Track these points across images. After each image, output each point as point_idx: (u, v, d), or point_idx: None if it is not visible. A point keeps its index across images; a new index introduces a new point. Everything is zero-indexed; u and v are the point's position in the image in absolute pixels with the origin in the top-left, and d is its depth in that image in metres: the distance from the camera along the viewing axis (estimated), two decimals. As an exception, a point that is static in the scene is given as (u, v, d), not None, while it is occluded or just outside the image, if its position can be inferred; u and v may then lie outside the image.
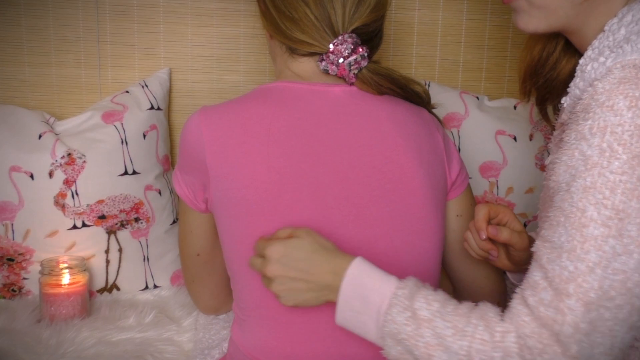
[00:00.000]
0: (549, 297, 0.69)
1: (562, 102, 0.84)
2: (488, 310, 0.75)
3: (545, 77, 0.94)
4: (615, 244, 0.67)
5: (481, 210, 0.92)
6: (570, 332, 0.68)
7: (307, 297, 0.84)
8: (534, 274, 0.72)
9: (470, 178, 1.11)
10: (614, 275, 0.67)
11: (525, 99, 0.99)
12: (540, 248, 0.73)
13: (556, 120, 0.95)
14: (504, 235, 0.92)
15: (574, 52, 0.91)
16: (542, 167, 1.45)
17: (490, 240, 0.94)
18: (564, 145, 0.75)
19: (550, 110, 1.00)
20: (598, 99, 0.71)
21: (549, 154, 0.96)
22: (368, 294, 0.79)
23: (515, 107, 1.50)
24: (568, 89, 0.81)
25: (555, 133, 0.91)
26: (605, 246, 0.67)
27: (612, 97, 0.69)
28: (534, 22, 0.82)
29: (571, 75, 0.90)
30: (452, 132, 1.47)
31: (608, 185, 0.68)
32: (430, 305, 0.76)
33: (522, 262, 0.94)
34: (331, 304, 0.86)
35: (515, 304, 0.73)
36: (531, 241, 0.92)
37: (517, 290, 0.74)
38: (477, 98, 1.51)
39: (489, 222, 0.93)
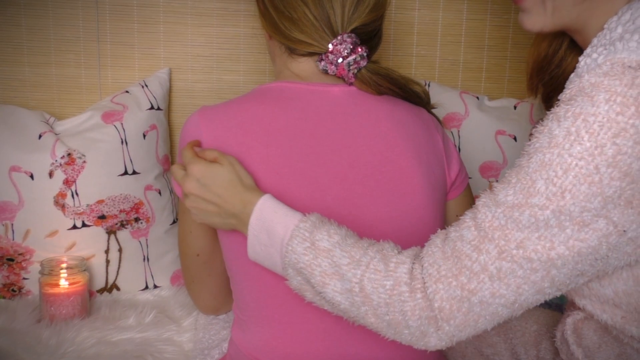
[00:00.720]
0: (471, 236, 0.73)
1: (559, 98, 0.85)
2: (386, 245, 0.79)
3: (550, 74, 0.96)
4: (550, 217, 0.69)
5: None
6: (477, 270, 0.71)
7: (214, 220, 0.88)
8: (466, 214, 0.76)
9: (470, 178, 1.11)
10: (539, 240, 0.70)
11: (532, 95, 1.01)
12: (484, 196, 0.76)
13: None
14: None
15: (580, 50, 0.92)
16: (542, 167, 1.45)
17: None
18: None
19: None
20: (583, 90, 0.72)
21: None
22: (274, 227, 0.82)
23: (515, 107, 1.50)
24: (565, 85, 0.82)
25: None
26: (540, 215, 0.70)
27: (594, 90, 0.71)
28: (540, 20, 0.84)
29: None
30: (452, 132, 1.47)
31: (563, 166, 0.69)
32: (331, 237, 0.80)
33: None
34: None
35: (434, 236, 0.78)
36: None
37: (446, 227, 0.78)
38: (477, 98, 1.51)
39: None
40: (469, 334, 0.74)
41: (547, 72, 0.96)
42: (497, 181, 1.38)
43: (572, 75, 0.79)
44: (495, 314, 0.73)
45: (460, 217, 0.77)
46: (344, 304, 0.78)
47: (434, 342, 0.74)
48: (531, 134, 0.81)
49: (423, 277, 0.73)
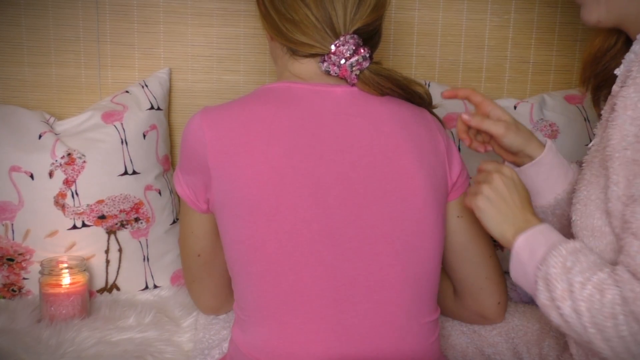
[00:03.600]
0: None
1: (614, 72, 0.88)
2: (620, 266, 0.76)
3: (604, 65, 0.99)
4: None
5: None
6: None
7: (496, 217, 0.89)
8: (629, 235, 0.75)
9: (471, 179, 1.11)
10: None
11: (583, 86, 1.03)
12: (630, 207, 0.75)
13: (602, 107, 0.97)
14: (474, 121, 1.03)
15: None
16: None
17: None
18: (619, 102, 0.77)
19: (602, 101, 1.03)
20: None
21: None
22: (537, 247, 0.83)
23: (515, 107, 1.50)
24: (622, 60, 0.84)
25: (603, 116, 0.93)
26: None
27: None
28: (595, 11, 0.88)
29: None
30: (452, 132, 1.47)
31: None
32: (578, 259, 0.78)
33: (516, 149, 1.04)
34: (331, 306, 0.89)
35: (622, 266, 0.75)
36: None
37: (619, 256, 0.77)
38: (477, 98, 1.51)
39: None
40: None
41: (601, 63, 0.99)
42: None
43: (634, 45, 0.82)
44: None
45: (626, 240, 0.75)
46: (577, 326, 0.75)
47: None
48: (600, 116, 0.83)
49: (625, 298, 0.71)
